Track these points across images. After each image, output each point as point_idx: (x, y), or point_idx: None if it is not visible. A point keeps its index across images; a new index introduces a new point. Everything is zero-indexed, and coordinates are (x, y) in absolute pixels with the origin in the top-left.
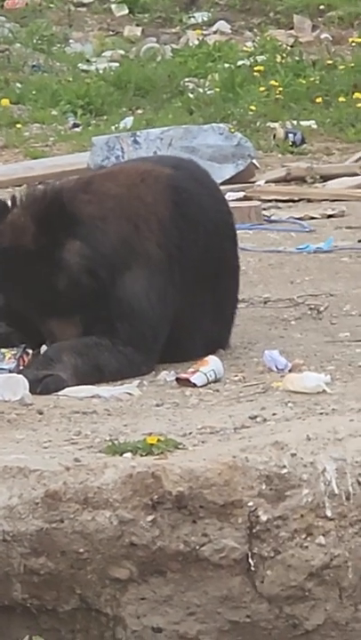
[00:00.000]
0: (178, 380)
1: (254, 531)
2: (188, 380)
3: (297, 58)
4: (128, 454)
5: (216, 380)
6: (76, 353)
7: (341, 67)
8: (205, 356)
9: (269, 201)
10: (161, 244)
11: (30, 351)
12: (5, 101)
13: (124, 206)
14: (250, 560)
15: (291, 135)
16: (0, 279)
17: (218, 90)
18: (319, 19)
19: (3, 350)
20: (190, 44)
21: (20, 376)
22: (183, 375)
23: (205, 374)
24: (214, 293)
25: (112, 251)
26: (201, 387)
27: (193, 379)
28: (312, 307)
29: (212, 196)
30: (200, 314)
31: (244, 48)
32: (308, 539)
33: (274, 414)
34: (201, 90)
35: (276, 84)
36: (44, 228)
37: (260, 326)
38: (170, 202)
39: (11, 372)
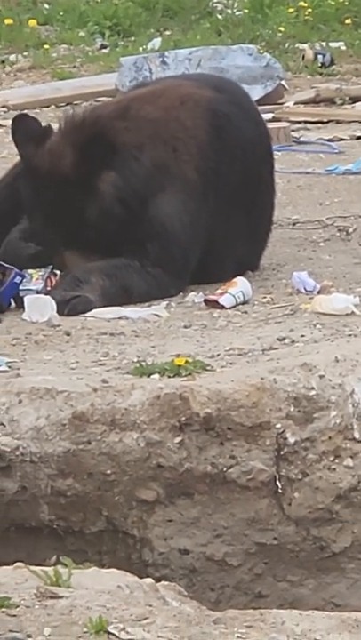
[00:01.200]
0: (206, 301)
1: (282, 453)
2: (216, 302)
3: None
4: (156, 376)
5: (244, 302)
6: (105, 274)
7: None
8: (234, 277)
9: (298, 122)
10: (198, 167)
11: (58, 272)
12: (33, 22)
13: (163, 130)
14: (277, 482)
15: (320, 56)
16: (33, 202)
17: (247, 11)
18: None
19: (30, 271)
20: None
21: (48, 297)
22: (211, 297)
23: (234, 296)
24: (249, 217)
25: (146, 179)
26: (229, 308)
27: (221, 300)
28: (341, 228)
29: (252, 119)
30: (233, 237)
31: None
32: (336, 461)
33: (302, 336)
34: (230, 11)
35: (305, 5)
36: (83, 156)
37: (288, 248)
38: (209, 125)
39: (38, 292)
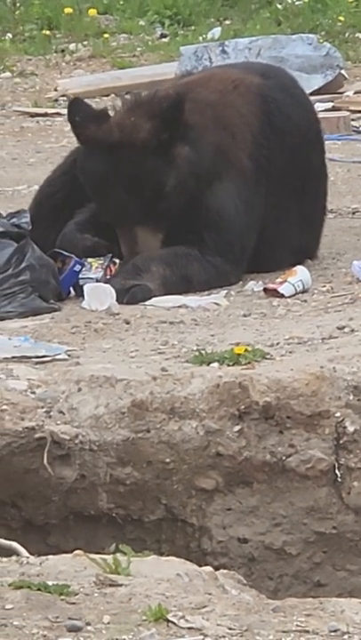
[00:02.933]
0: (265, 290)
1: (341, 442)
2: (275, 291)
3: None
4: (215, 364)
5: (304, 291)
6: (165, 263)
7: None
8: (293, 266)
9: (358, 111)
10: (252, 155)
11: (117, 261)
12: (93, 11)
13: (221, 115)
14: (336, 471)
15: None
16: (105, 177)
17: (306, 0)
18: None
19: (89, 260)
20: None
21: (107, 285)
22: (271, 285)
23: (293, 285)
24: (302, 203)
25: (210, 162)
26: (289, 297)
27: (281, 289)
28: None
29: (301, 104)
30: (287, 224)
31: None
32: None
33: None
34: (289, 0)
35: None
36: (161, 126)
37: (348, 237)
38: (260, 112)
39: (98, 281)
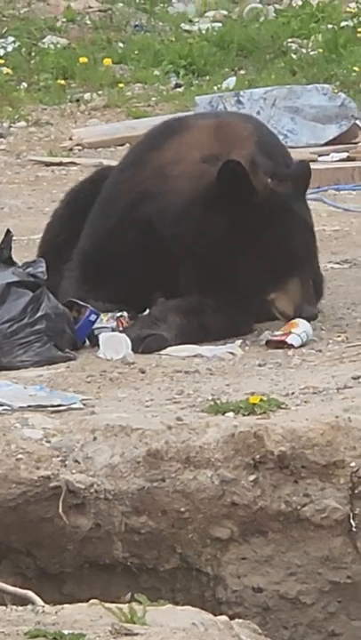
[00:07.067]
0: (269, 342)
1: (356, 491)
2: (284, 342)
3: None
4: (230, 414)
5: (306, 343)
6: (182, 312)
7: None
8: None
9: None
10: None
11: (126, 314)
12: (108, 61)
13: None
14: (351, 521)
15: None
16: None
17: (321, 50)
18: None
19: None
20: (294, 5)
21: (123, 335)
22: (276, 338)
23: (299, 335)
24: None
25: None
26: (297, 348)
27: (289, 340)
28: None
29: None
30: None
31: (348, 9)
32: None
33: None
34: (304, 50)
35: None
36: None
37: None
38: None
39: (113, 330)
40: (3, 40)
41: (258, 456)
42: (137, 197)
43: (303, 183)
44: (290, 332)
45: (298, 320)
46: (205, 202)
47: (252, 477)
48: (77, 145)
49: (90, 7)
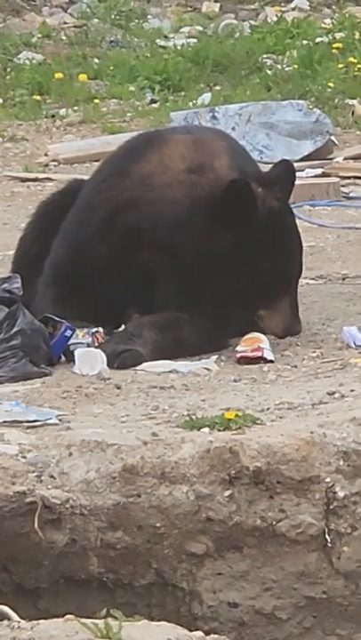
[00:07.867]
0: (241, 359)
1: (331, 507)
2: (260, 358)
3: None
4: (206, 429)
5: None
6: (157, 328)
7: None
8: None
9: (348, 178)
10: None
11: (102, 330)
12: (83, 77)
13: None
14: (326, 536)
15: None
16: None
17: (296, 67)
18: None
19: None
20: (269, 21)
21: (98, 350)
22: (250, 354)
23: (270, 350)
24: None
25: None
26: (270, 361)
27: (266, 355)
28: None
29: None
30: None
31: (323, 25)
32: None
33: (352, 390)
34: (279, 66)
35: (355, 60)
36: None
37: (338, 303)
38: None
39: (88, 346)
40: None
41: (233, 471)
42: (119, 206)
43: (289, 184)
44: (259, 348)
45: (255, 334)
46: (207, 214)
47: (227, 493)
48: (53, 161)
49: (65, 23)
